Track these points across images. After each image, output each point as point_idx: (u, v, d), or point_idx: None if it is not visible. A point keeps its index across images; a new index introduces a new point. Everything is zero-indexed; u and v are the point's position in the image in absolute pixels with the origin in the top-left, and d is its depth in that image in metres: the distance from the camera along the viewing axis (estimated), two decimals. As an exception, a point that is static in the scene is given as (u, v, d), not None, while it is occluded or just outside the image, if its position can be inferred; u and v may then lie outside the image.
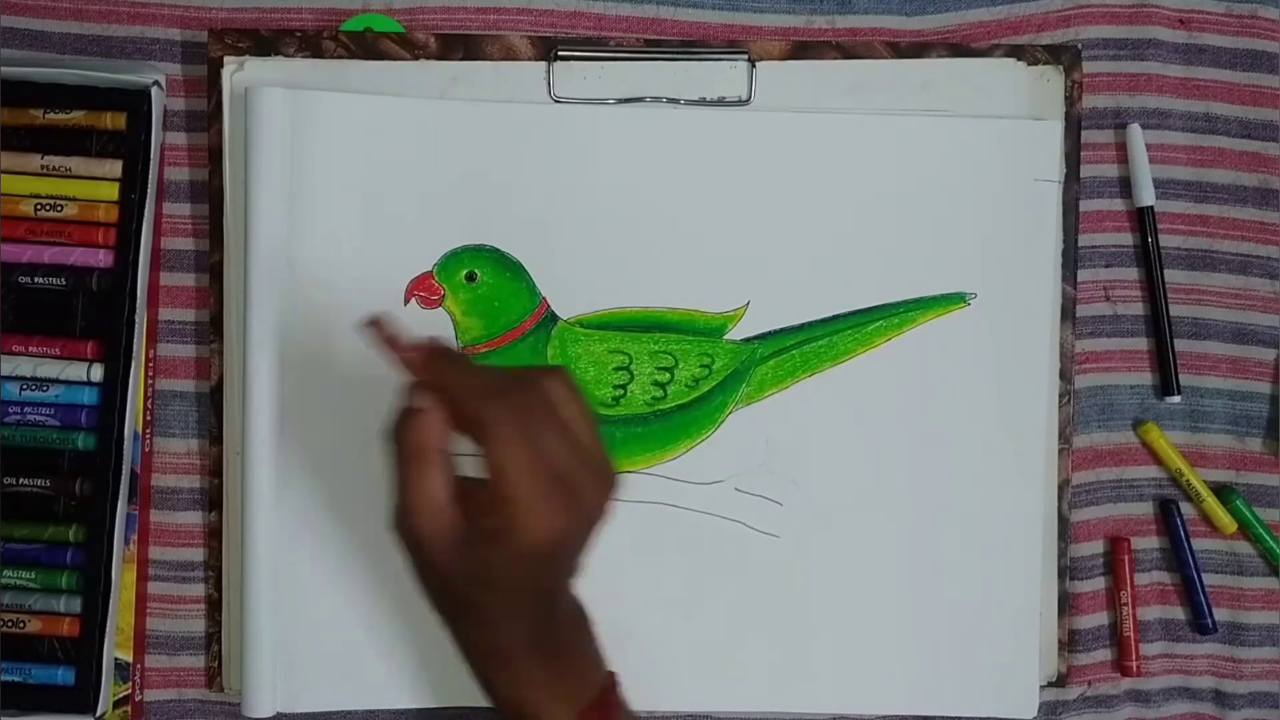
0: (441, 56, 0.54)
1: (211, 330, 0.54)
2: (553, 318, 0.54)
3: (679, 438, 0.54)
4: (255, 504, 0.52)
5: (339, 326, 0.53)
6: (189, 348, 0.55)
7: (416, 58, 0.54)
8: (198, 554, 0.55)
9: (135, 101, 0.53)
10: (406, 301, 0.53)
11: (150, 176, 0.53)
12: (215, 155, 0.54)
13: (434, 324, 0.53)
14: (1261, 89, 0.57)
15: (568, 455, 0.42)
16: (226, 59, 0.53)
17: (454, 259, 0.53)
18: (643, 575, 0.54)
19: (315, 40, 0.54)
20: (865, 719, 0.55)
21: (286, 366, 0.52)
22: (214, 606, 0.54)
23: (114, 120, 0.53)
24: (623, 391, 0.54)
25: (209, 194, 0.54)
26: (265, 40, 0.54)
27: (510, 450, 0.41)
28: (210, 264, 0.54)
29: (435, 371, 0.43)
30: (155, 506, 0.55)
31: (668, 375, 0.54)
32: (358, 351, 0.53)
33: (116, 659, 0.53)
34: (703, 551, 0.54)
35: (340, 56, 0.54)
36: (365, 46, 0.54)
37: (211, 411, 0.54)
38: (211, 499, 0.54)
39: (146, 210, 0.53)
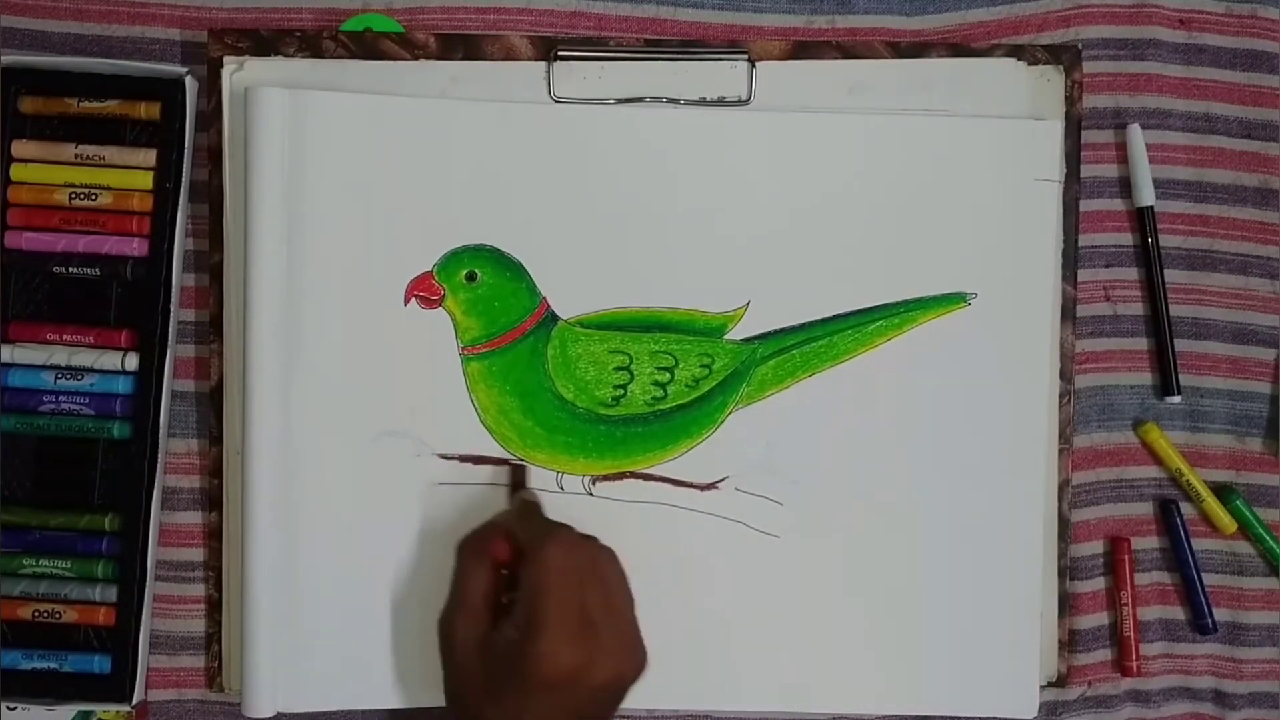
0: (441, 56, 0.54)
1: (211, 330, 0.54)
2: (553, 317, 0.54)
3: (679, 438, 0.54)
4: (255, 504, 0.52)
5: (339, 326, 0.53)
6: (189, 348, 0.55)
7: (416, 58, 0.54)
8: (198, 554, 0.55)
9: (169, 91, 0.53)
10: (407, 301, 0.53)
11: (185, 166, 0.53)
12: (215, 155, 0.54)
13: (434, 324, 0.53)
14: (1261, 89, 0.57)
15: (601, 608, 0.46)
16: (226, 59, 0.53)
17: (454, 259, 0.53)
18: (643, 575, 0.53)
19: (315, 40, 0.54)
20: (865, 719, 0.55)
21: (286, 366, 0.52)
22: (214, 606, 0.54)
23: (148, 110, 0.53)
24: (623, 391, 0.54)
25: (209, 194, 0.54)
26: (265, 40, 0.54)
27: (547, 575, 0.45)
28: (210, 264, 0.54)
29: (513, 507, 0.51)
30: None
31: (668, 375, 0.54)
32: (357, 351, 0.53)
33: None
34: (703, 551, 0.54)
35: (340, 56, 0.54)
36: (365, 46, 0.54)
37: (211, 411, 0.54)
38: (211, 499, 0.54)
39: (181, 199, 0.53)
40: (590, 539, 0.49)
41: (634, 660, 0.47)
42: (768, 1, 0.56)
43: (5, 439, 0.53)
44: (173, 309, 0.53)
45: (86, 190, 0.53)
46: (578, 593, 0.45)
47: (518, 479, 0.53)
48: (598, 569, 0.47)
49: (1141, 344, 0.57)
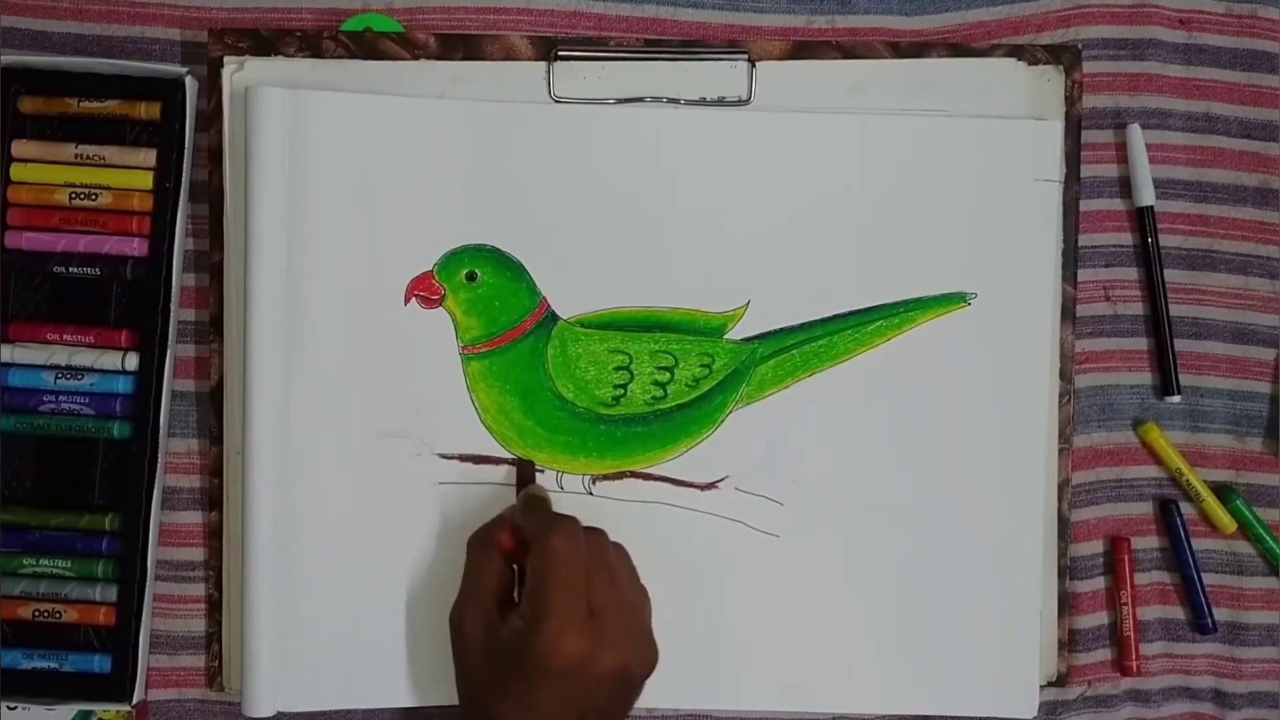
0: (441, 56, 0.54)
1: (211, 330, 0.54)
2: (553, 317, 0.54)
3: (679, 437, 0.54)
4: (255, 504, 0.52)
5: (339, 326, 0.53)
6: (189, 348, 0.55)
7: (416, 58, 0.54)
8: (198, 554, 0.55)
9: (169, 91, 0.53)
10: (407, 301, 0.53)
11: (185, 166, 0.53)
12: (215, 155, 0.54)
13: (434, 324, 0.53)
14: (1261, 89, 0.57)
15: (607, 598, 0.46)
16: (226, 59, 0.53)
17: (454, 259, 0.53)
18: (643, 575, 0.53)
19: (315, 40, 0.54)
20: (865, 719, 0.55)
21: (287, 366, 0.52)
22: (214, 606, 0.54)
23: (148, 110, 0.53)
24: (623, 391, 0.54)
25: (209, 194, 0.54)
26: (265, 40, 0.54)
27: (550, 563, 0.45)
28: (210, 264, 0.54)
29: (521, 501, 0.51)
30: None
31: (668, 375, 0.54)
32: (357, 351, 0.53)
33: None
34: (703, 551, 0.54)
35: (340, 56, 0.54)
36: (365, 46, 0.54)
37: (211, 411, 0.54)
38: (211, 499, 0.54)
39: (181, 199, 0.53)
40: (598, 531, 0.49)
41: (642, 654, 0.47)
42: (768, 1, 0.56)
43: (5, 439, 0.53)
44: (173, 309, 0.53)
45: (86, 190, 0.53)
46: (582, 581, 0.45)
47: (525, 474, 0.53)
48: (604, 560, 0.47)
49: (1141, 344, 0.57)
